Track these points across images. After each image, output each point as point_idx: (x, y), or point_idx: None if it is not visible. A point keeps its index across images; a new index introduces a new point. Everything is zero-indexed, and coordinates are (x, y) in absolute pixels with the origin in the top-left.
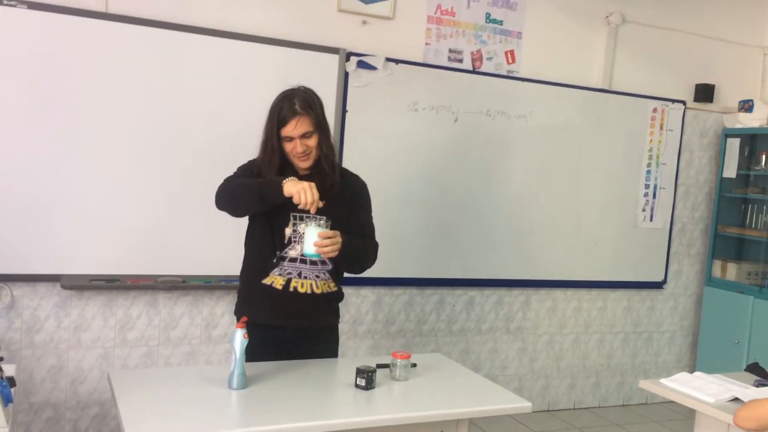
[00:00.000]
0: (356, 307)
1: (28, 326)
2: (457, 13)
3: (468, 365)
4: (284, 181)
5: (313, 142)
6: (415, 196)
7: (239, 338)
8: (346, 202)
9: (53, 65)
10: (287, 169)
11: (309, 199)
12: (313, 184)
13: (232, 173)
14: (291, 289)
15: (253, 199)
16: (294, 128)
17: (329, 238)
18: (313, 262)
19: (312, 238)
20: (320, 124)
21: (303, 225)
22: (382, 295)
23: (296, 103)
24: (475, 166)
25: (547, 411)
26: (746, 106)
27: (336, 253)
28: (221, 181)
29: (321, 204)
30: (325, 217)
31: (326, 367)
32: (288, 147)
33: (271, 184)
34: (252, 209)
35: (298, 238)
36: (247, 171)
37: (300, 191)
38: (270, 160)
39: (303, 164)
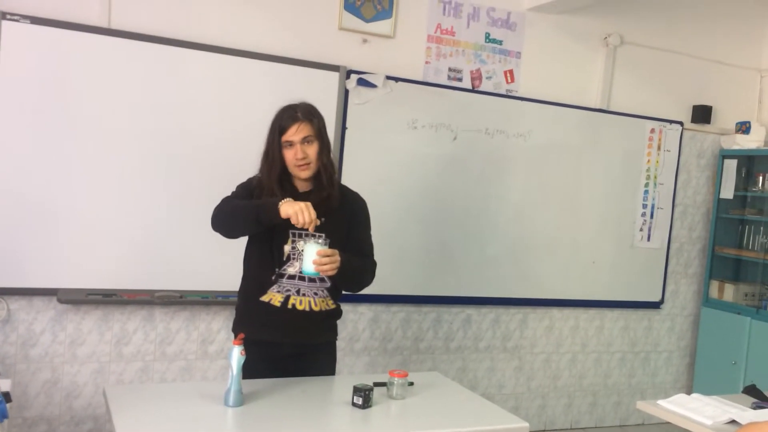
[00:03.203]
0: (353, 324)
1: (24, 340)
2: (457, 32)
3: (465, 383)
4: (281, 203)
5: (313, 150)
6: (414, 213)
7: (236, 355)
8: (346, 220)
9: (54, 79)
10: (286, 183)
11: (307, 219)
12: (309, 204)
13: (230, 192)
14: (289, 306)
15: (250, 221)
16: (295, 133)
17: (328, 256)
18: (311, 280)
19: (311, 256)
20: (321, 135)
21: (302, 242)
22: (380, 312)
23: (298, 111)
24: (473, 184)
25: (544, 431)
26: (743, 127)
27: (335, 271)
28: (221, 196)
29: (318, 222)
30: (324, 235)
31: (323, 384)
32: (289, 155)
33: (267, 206)
34: (249, 231)
35: (297, 255)
36: (245, 190)
37: (297, 212)
38: (270, 169)
39: (303, 174)
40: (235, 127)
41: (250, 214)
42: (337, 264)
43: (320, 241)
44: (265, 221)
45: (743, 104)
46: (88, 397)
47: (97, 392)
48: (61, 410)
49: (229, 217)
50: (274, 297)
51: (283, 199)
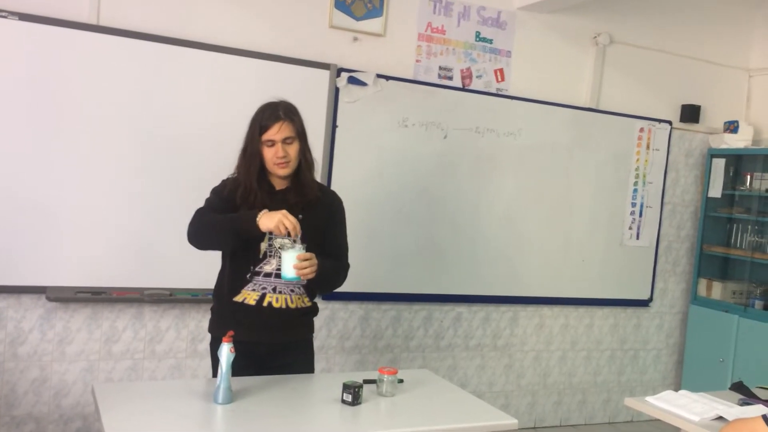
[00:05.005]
0: (344, 321)
1: (12, 338)
2: (447, 31)
3: (455, 381)
4: (258, 217)
5: (293, 150)
6: (404, 211)
7: (226, 352)
8: (323, 217)
9: (43, 76)
10: (263, 182)
11: (290, 226)
12: (285, 212)
13: (204, 200)
14: (265, 304)
15: (228, 236)
16: (277, 132)
17: (307, 260)
18: None
19: (291, 261)
20: (301, 134)
21: (279, 240)
22: (370, 310)
23: (279, 110)
24: (464, 182)
25: (534, 428)
26: (731, 126)
27: (314, 274)
28: (209, 194)
29: (299, 228)
30: (300, 235)
31: (312, 382)
32: (268, 153)
33: (245, 221)
34: (226, 247)
35: (274, 252)
36: (218, 197)
37: (278, 224)
38: (249, 167)
39: (281, 171)
40: (224, 124)
41: (226, 230)
42: (316, 267)
43: (297, 245)
44: (243, 235)
45: (731, 104)
46: (76, 395)
47: (86, 391)
48: (50, 409)
49: (205, 232)
50: (248, 296)
51: (258, 197)
